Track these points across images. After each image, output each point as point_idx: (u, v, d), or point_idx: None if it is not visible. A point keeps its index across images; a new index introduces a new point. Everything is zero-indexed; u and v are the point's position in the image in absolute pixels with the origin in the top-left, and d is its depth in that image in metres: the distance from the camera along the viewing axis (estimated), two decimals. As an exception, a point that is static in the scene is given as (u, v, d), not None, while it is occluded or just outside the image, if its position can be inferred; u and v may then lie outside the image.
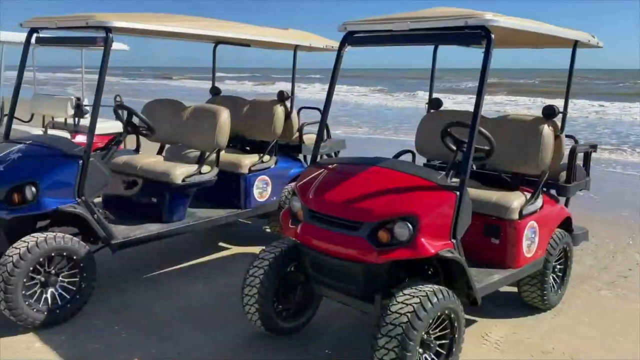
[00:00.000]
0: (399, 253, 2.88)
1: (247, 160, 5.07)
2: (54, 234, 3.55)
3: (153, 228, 4.31)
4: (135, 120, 4.42)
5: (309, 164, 5.79)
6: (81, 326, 3.63)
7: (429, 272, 3.33)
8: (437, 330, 2.92)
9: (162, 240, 4.51)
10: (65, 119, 7.24)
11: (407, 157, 3.93)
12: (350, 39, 3.54)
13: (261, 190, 5.15)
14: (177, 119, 4.92)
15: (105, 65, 3.72)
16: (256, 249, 5.35)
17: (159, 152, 5.32)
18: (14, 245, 3.43)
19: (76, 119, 7.09)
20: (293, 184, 5.40)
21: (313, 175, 3.43)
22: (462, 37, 3.19)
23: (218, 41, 5.91)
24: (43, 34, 4.29)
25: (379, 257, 2.90)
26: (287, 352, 3.43)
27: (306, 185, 3.35)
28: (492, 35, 2.99)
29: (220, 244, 5.50)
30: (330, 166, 3.47)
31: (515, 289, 4.10)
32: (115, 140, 4.24)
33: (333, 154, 6.14)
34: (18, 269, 3.35)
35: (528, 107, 25.23)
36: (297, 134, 5.59)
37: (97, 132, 7.25)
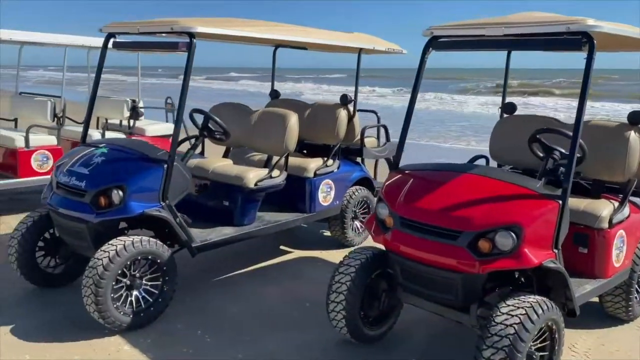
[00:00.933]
0: (502, 263, 2.83)
1: (313, 164, 5.07)
2: (140, 237, 3.58)
3: (227, 231, 4.33)
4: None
5: (365, 167, 5.81)
6: (164, 329, 3.65)
7: (520, 282, 3.27)
8: (537, 341, 2.86)
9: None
10: (121, 121, 7.33)
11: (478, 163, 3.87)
12: (435, 43, 3.50)
13: (325, 194, 5.13)
14: (245, 122, 4.93)
15: (189, 70, 3.73)
16: (317, 253, 5.36)
17: (224, 155, 5.34)
18: (103, 248, 3.47)
19: (131, 121, 7.18)
20: (355, 187, 5.39)
21: (398, 181, 3.40)
22: (560, 43, 3.11)
23: (278, 44, 5.93)
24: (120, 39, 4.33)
25: (481, 267, 2.85)
26: (371, 359, 3.41)
27: (393, 192, 3.32)
28: (595, 41, 2.93)
29: (281, 247, 5.50)
30: (416, 172, 3.43)
31: (594, 299, 4.00)
32: (192, 144, 4.26)
33: (392, 158, 6.10)
34: (108, 272, 3.39)
35: (554, 109, 24.60)
36: (358, 138, 5.56)
37: (150, 134, 7.42)
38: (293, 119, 4.69)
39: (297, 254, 5.36)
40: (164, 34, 4.05)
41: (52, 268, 4.22)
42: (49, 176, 6.26)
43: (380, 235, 3.29)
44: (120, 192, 3.59)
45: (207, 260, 4.89)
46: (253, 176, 4.44)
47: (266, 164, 4.95)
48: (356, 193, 5.45)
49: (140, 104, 7.28)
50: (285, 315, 3.98)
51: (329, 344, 3.56)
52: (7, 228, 5.81)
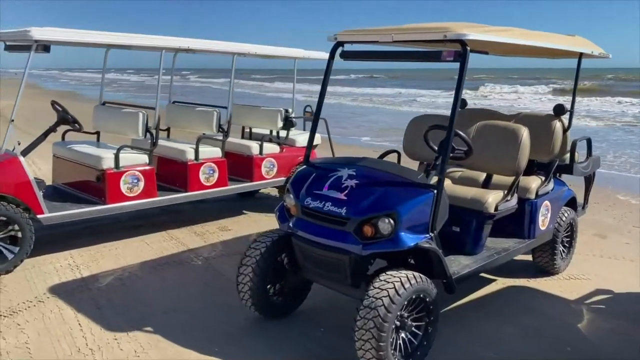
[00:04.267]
0: None
1: (534, 184, 4.53)
2: (413, 272, 3.16)
3: (466, 262, 3.86)
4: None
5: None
6: (435, 377, 3.23)
7: None
8: None
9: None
10: (271, 131, 7.03)
11: None
12: None
13: (544, 217, 4.59)
14: (460, 138, 4.45)
15: (463, 80, 3.29)
16: (523, 282, 4.89)
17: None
18: (377, 285, 3.06)
19: (284, 131, 6.87)
20: (564, 208, 4.82)
21: None
22: None
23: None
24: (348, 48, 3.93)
25: None
26: None
27: None
28: None
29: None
30: None
31: None
32: (433, 164, 3.81)
33: (592, 175, 5.52)
34: (390, 313, 2.97)
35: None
36: (568, 153, 4.99)
37: (300, 144, 7.07)
38: (525, 134, 4.16)
39: (502, 282, 4.84)
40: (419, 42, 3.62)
41: (271, 296, 3.88)
42: (213, 190, 6.03)
43: None
44: (392, 221, 3.17)
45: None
46: (492, 200, 3.96)
47: (485, 184, 4.46)
48: (566, 215, 4.89)
49: (293, 114, 6.95)
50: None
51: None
52: (179, 244, 5.59)
